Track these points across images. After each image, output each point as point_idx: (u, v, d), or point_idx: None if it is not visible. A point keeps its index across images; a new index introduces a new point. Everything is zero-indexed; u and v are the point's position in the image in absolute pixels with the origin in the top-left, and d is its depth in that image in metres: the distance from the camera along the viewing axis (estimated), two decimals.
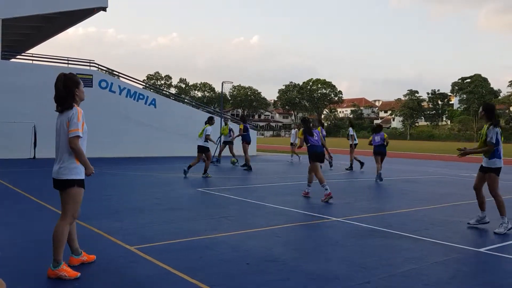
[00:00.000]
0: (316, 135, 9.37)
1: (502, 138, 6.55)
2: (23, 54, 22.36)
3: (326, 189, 8.85)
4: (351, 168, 16.55)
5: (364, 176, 14.60)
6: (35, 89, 18.39)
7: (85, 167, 4.07)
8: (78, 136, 3.96)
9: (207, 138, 13.01)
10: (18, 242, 5.28)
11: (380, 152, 12.96)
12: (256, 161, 19.88)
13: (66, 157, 4.01)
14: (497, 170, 6.50)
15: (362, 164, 16.71)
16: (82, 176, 4.09)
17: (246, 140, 16.18)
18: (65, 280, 3.95)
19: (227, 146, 17.52)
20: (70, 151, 4.00)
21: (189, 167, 12.87)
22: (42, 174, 12.80)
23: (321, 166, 9.67)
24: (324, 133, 17.28)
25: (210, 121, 13.65)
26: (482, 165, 6.66)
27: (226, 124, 17.72)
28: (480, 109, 6.76)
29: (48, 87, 19.84)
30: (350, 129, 17.26)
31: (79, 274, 4.04)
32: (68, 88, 4.07)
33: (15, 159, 17.23)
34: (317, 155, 9.27)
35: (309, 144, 9.32)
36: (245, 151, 16.00)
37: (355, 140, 16.93)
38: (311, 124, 9.61)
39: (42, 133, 17.79)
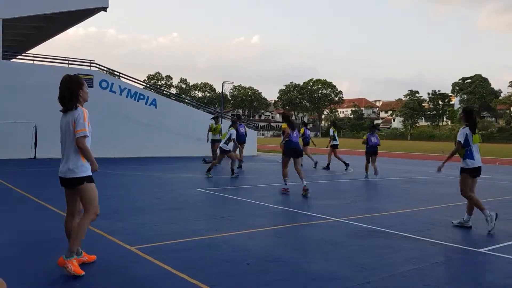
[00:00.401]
0: (295, 133, 10.03)
1: (477, 139, 6.73)
2: (23, 54, 22.38)
3: (285, 185, 9.86)
4: (346, 166, 16.50)
5: (364, 176, 14.58)
6: (36, 89, 18.40)
7: (91, 163, 4.22)
8: (85, 136, 4.10)
9: (230, 141, 13.23)
10: (18, 242, 5.28)
11: (373, 151, 13.79)
12: (256, 161, 19.89)
13: (73, 156, 4.14)
14: (470, 171, 6.66)
15: (327, 166, 16.72)
16: (89, 173, 4.22)
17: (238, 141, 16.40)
18: (65, 280, 3.96)
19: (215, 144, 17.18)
20: (76, 150, 4.13)
21: (232, 171, 13.08)
22: (43, 174, 12.81)
23: (301, 165, 10.29)
24: (309, 133, 17.74)
25: (234, 125, 14.04)
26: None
27: (217, 123, 17.66)
28: (460, 111, 6.93)
29: (49, 87, 19.80)
30: (331, 129, 17.20)
31: (83, 273, 4.09)
32: (72, 89, 4.18)
33: (15, 159, 17.23)
34: (292, 150, 9.83)
35: (287, 139, 9.84)
36: (237, 149, 16.30)
37: (335, 140, 16.83)
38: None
39: (42, 133, 17.80)
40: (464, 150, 6.62)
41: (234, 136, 13.21)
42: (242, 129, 16.62)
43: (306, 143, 16.98)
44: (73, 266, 4.05)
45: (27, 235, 5.60)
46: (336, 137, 16.86)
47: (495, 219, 6.41)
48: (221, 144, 13.24)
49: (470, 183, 6.69)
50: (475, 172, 6.68)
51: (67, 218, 4.34)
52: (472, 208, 6.71)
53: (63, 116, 4.22)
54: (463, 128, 6.70)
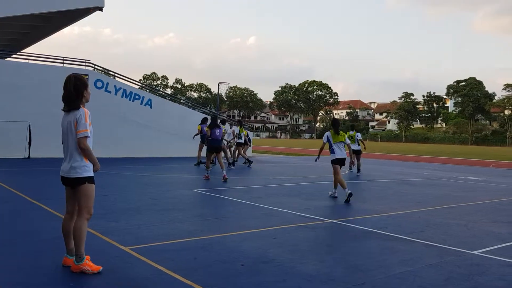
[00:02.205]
0: (218, 131, 12.32)
1: (339, 139, 9.41)
2: (18, 53, 22.24)
3: (207, 173, 12.03)
4: (231, 164, 17.06)
5: (359, 178, 14.63)
6: (31, 89, 18.30)
7: (94, 164, 4.23)
8: (87, 136, 4.11)
9: (360, 143, 15.71)
10: (12, 241, 5.25)
11: (357, 150, 15.92)
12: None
13: (76, 156, 4.14)
14: (333, 161, 9.42)
15: (232, 163, 17.21)
16: (91, 173, 4.22)
17: (201, 141, 17.10)
18: (60, 279, 3.94)
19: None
20: (79, 150, 4.13)
21: (358, 170, 15.41)
22: (37, 174, 12.74)
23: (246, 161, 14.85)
24: (249, 136, 19.33)
25: (354, 128, 16.53)
26: None
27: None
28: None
29: (44, 87, 19.66)
30: (237, 128, 18.07)
31: (101, 268, 4.15)
32: (78, 89, 4.18)
33: (9, 158, 17.11)
34: (212, 146, 12.29)
35: (210, 138, 12.22)
36: (199, 149, 17.21)
37: (240, 139, 17.82)
38: (218, 122, 12.66)
39: (37, 132, 17.70)
40: (330, 147, 9.47)
41: (361, 137, 15.64)
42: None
43: (240, 143, 18.09)
44: (89, 266, 4.12)
45: (20, 235, 5.56)
46: (242, 136, 17.99)
47: (332, 195, 9.60)
48: (357, 147, 15.32)
49: (336, 169, 9.40)
50: (337, 162, 9.39)
51: (66, 217, 4.33)
52: (337, 184, 9.49)
53: (65, 116, 4.21)
54: (328, 132, 9.62)
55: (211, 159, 12.30)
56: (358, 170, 15.72)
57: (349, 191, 9.07)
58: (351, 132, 15.94)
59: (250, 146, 19.56)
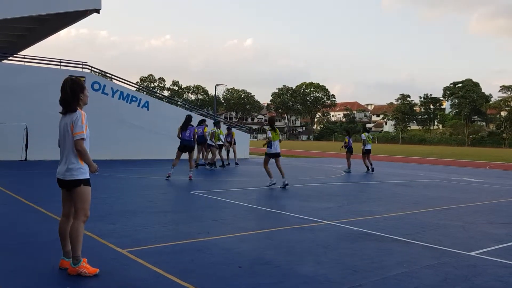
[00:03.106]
0: (189, 131, 12.82)
1: (276, 137, 11.36)
2: (15, 55, 22.18)
3: (191, 172, 12.76)
4: (211, 165, 17.30)
5: (357, 179, 14.66)
6: (27, 91, 18.27)
7: (89, 166, 4.23)
8: (83, 139, 4.12)
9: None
10: (7, 244, 5.24)
11: (350, 151, 17.40)
12: (248, 164, 19.91)
13: (72, 158, 4.15)
14: (269, 154, 11.43)
15: (223, 165, 17.52)
16: (87, 175, 4.23)
17: (198, 142, 16.70)
18: (57, 282, 3.93)
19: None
20: (75, 152, 4.14)
21: (371, 167, 17.09)
22: (33, 176, 12.71)
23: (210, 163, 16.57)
24: (229, 138, 19.37)
25: (365, 129, 18.13)
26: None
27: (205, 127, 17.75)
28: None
29: (41, 89, 19.61)
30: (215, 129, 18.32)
31: (98, 270, 4.16)
32: (74, 91, 4.20)
33: (6, 161, 17.06)
34: (183, 146, 12.83)
35: (181, 138, 12.80)
36: (197, 151, 16.98)
37: (219, 141, 18.18)
38: (190, 123, 13.04)
39: (34, 135, 17.67)
40: (269, 142, 11.24)
41: (364, 137, 17.32)
42: (200, 130, 16.81)
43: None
44: (86, 269, 4.12)
45: (16, 237, 5.55)
46: (221, 138, 18.35)
47: (270, 184, 11.28)
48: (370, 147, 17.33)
49: (268, 161, 11.43)
50: (272, 155, 11.35)
51: (62, 220, 4.32)
52: (270, 173, 11.34)
53: (62, 118, 4.23)
54: (268, 130, 11.41)
55: (177, 159, 12.80)
56: (372, 168, 17.25)
57: (274, 182, 11.22)
58: (367, 134, 17.36)
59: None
